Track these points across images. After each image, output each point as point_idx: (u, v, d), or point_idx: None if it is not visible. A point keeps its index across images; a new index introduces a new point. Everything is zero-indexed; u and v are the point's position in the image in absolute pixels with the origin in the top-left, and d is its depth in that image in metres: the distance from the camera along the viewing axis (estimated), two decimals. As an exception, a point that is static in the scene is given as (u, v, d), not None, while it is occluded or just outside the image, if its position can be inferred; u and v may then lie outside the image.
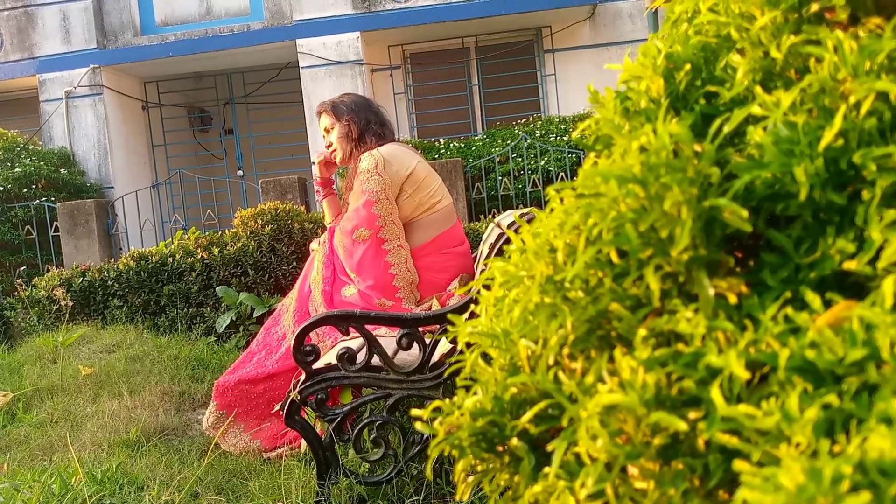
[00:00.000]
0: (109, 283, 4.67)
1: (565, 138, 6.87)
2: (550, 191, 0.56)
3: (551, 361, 0.50)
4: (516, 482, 0.52)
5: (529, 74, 8.64)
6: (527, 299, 0.52)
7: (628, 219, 0.45)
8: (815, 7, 0.49)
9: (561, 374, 0.50)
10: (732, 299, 0.46)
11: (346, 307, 2.71)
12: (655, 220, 0.44)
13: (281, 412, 2.17)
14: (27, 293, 4.85)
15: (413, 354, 2.11)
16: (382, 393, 2.10)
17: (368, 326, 2.07)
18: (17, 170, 7.14)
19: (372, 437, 2.09)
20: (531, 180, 6.56)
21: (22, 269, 6.31)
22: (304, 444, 2.56)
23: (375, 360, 2.06)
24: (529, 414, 0.50)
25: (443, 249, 2.92)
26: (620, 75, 0.60)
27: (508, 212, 3.06)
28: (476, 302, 2.14)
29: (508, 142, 6.89)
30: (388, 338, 2.41)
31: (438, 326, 2.14)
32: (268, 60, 8.71)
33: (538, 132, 7.04)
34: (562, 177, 6.49)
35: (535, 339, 0.52)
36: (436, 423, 0.54)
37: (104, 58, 8.20)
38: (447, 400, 0.55)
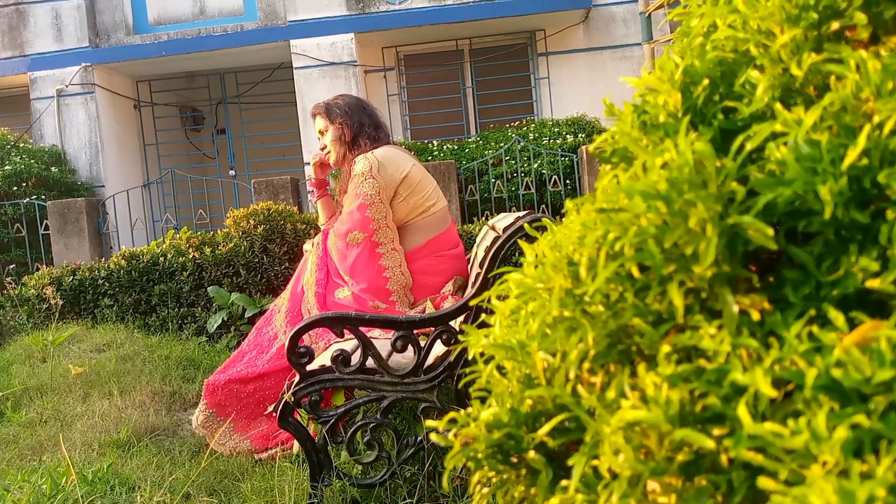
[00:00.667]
0: (100, 282, 4.65)
1: (558, 141, 6.89)
2: (569, 203, 0.56)
3: (572, 376, 0.50)
4: (532, 494, 0.52)
5: (523, 77, 8.65)
6: (545, 312, 0.52)
7: (650, 234, 0.45)
8: (835, 25, 0.50)
9: (580, 388, 0.50)
10: (755, 316, 0.46)
11: (339, 309, 2.70)
12: (679, 237, 0.44)
13: (274, 413, 2.16)
14: (17, 291, 4.82)
15: (407, 357, 2.11)
16: (376, 395, 2.10)
17: (362, 328, 2.06)
18: (7, 167, 7.09)
19: (365, 439, 2.09)
20: (524, 183, 6.57)
21: (11, 267, 6.28)
22: (296, 445, 2.55)
23: (370, 362, 2.06)
24: (548, 427, 0.50)
25: (437, 252, 2.92)
26: (637, 89, 0.60)
27: (503, 214, 3.06)
28: (470, 307, 2.14)
29: (502, 144, 6.90)
30: (382, 340, 2.40)
31: (433, 329, 2.13)
32: (261, 61, 8.69)
33: (531, 135, 7.05)
34: (555, 180, 6.50)
35: (552, 352, 0.52)
36: (450, 435, 0.54)
37: (96, 56, 8.17)
38: (462, 411, 0.55)
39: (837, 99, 0.45)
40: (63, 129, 8.10)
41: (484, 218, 6.23)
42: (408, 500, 2.08)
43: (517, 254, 4.21)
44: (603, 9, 8.21)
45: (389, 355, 2.09)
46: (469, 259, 3.06)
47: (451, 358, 2.07)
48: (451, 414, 0.56)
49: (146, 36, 8.43)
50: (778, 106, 0.48)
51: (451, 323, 2.16)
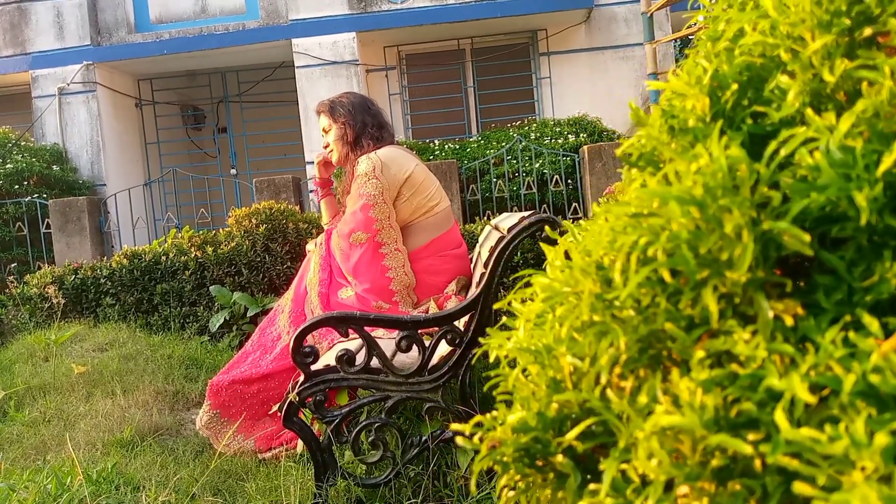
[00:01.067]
0: (102, 281, 4.65)
1: (560, 141, 6.89)
2: (596, 208, 0.56)
3: (604, 380, 0.50)
4: (559, 498, 0.52)
5: (524, 77, 8.66)
6: (573, 316, 0.52)
7: (683, 239, 0.45)
8: (868, 31, 0.49)
9: (609, 392, 0.50)
10: (789, 321, 0.46)
11: (342, 309, 2.70)
12: (714, 243, 0.44)
13: (279, 413, 2.16)
14: (18, 290, 4.81)
15: (412, 357, 2.11)
16: (381, 395, 2.10)
17: (366, 328, 2.06)
18: (8, 166, 7.09)
19: (370, 439, 2.09)
20: (525, 182, 6.57)
21: (13, 265, 6.27)
22: (300, 445, 2.55)
23: (374, 362, 2.06)
24: (576, 431, 0.50)
25: (440, 252, 2.92)
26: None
27: (506, 214, 3.06)
28: (476, 308, 2.14)
29: (503, 144, 6.90)
30: (386, 340, 2.40)
31: (438, 329, 2.14)
32: (263, 59, 8.69)
33: (533, 134, 7.05)
34: (556, 180, 6.50)
35: (581, 356, 0.52)
36: (475, 438, 0.54)
37: (98, 55, 8.17)
38: (488, 415, 0.55)
39: (871, 105, 0.45)
40: (64, 127, 8.10)
41: (485, 217, 6.23)
42: (412, 500, 2.08)
43: (520, 254, 4.21)
44: (605, 8, 8.21)
45: (394, 355, 2.09)
46: (472, 259, 3.06)
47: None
48: (477, 417, 0.56)
49: (148, 34, 8.43)
50: (809, 112, 0.47)
51: (456, 323, 2.16)
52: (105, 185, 8.07)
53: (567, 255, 0.56)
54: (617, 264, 0.48)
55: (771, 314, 0.46)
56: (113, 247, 7.09)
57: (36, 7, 8.21)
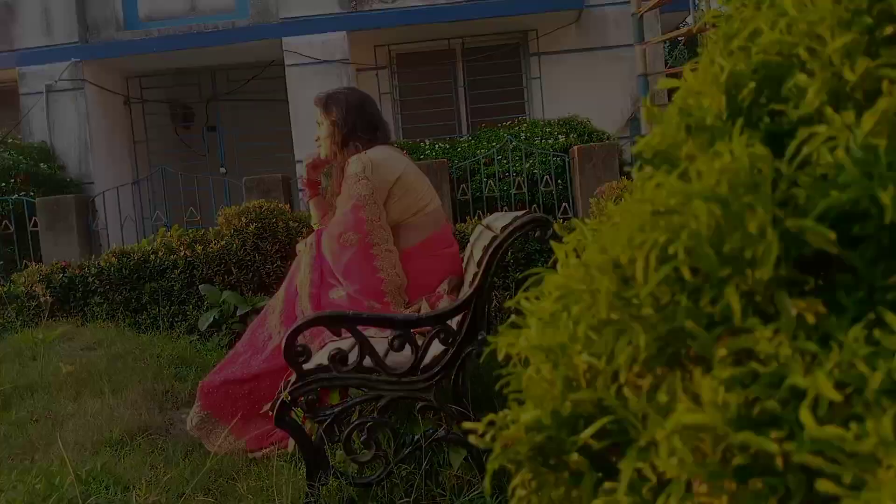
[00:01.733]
0: (90, 279, 4.62)
1: (550, 141, 6.90)
2: (611, 206, 0.56)
3: (623, 379, 0.50)
4: (574, 497, 0.52)
5: (515, 77, 8.66)
6: (590, 315, 0.52)
7: (705, 237, 0.45)
8: (889, 29, 0.50)
9: (626, 391, 0.50)
10: (811, 319, 0.46)
11: (333, 309, 2.69)
12: (738, 241, 0.44)
13: (270, 413, 2.15)
14: (5, 289, 4.77)
15: (404, 356, 2.11)
16: (374, 394, 2.10)
17: (359, 327, 2.06)
18: (-6, 163, 7.03)
19: (362, 438, 2.09)
20: (516, 182, 6.58)
21: (-1, 264, 6.22)
22: (290, 444, 2.54)
23: (367, 361, 2.05)
24: (592, 429, 0.50)
25: (432, 252, 2.91)
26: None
27: (497, 214, 3.06)
28: (468, 307, 2.14)
29: (494, 144, 6.90)
30: (378, 339, 2.40)
31: (430, 328, 2.13)
32: (252, 58, 8.66)
33: (523, 135, 7.06)
34: (546, 180, 6.51)
35: (596, 354, 0.52)
36: (487, 437, 0.54)
37: (86, 52, 8.11)
38: (500, 413, 0.55)
39: (893, 104, 0.45)
40: (52, 125, 8.04)
41: (476, 217, 6.23)
42: (405, 499, 2.08)
43: (510, 253, 4.21)
44: (595, 9, 8.23)
45: (386, 354, 2.09)
46: (463, 258, 3.06)
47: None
48: (490, 416, 0.55)
49: (137, 32, 8.37)
50: (829, 110, 0.48)
51: (448, 322, 2.16)
52: (93, 183, 8.02)
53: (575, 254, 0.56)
54: (638, 262, 0.48)
55: (795, 312, 0.46)
56: (101, 245, 7.04)
57: (23, 3, 8.14)
